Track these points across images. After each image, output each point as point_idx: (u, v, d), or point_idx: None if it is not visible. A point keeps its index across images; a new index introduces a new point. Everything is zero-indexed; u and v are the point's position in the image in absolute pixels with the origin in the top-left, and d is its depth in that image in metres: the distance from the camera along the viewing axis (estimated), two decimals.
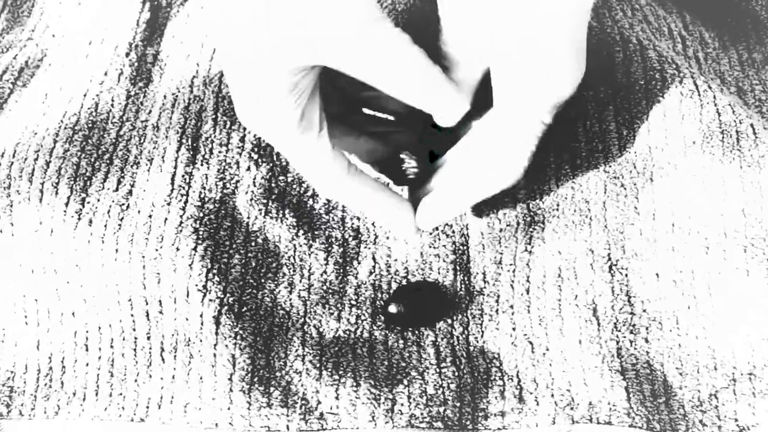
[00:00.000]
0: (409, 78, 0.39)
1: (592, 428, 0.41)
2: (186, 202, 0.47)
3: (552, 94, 0.41)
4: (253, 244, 0.47)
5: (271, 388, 0.43)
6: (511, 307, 0.45)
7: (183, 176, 0.48)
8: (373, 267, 0.47)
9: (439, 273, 0.46)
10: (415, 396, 0.43)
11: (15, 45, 0.60)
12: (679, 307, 0.44)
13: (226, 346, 0.44)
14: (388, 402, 0.43)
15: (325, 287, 0.47)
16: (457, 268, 0.47)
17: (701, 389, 0.43)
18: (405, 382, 0.43)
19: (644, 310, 0.44)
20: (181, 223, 0.46)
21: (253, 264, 0.47)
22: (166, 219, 0.47)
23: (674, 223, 0.45)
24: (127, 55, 0.54)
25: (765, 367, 0.42)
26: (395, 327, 0.46)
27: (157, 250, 0.46)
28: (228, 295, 0.45)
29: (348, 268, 0.47)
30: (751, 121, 0.46)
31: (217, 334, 0.44)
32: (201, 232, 0.46)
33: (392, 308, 0.45)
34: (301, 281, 0.46)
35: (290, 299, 0.46)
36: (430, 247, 0.47)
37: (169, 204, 0.47)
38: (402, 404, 0.43)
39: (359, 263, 0.47)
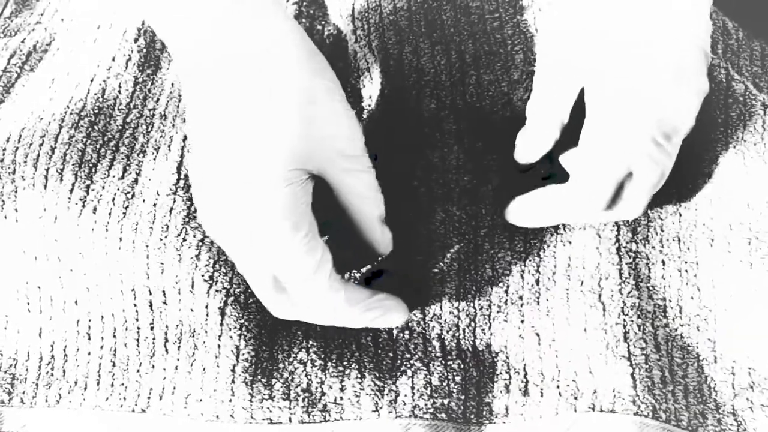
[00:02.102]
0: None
1: (601, 420, 0.41)
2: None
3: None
4: None
5: (274, 380, 0.43)
6: (521, 298, 0.45)
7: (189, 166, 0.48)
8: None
9: (444, 262, 0.46)
10: (419, 387, 0.43)
11: (23, 29, 0.59)
12: (682, 297, 0.45)
13: (231, 337, 0.43)
14: (392, 393, 0.43)
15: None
16: (462, 257, 0.46)
17: (701, 381, 0.43)
18: (409, 373, 0.43)
19: (650, 297, 0.44)
20: (189, 213, 0.46)
21: None
22: (171, 209, 0.46)
23: (681, 214, 0.46)
24: (136, 40, 0.54)
25: (765, 360, 0.42)
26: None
27: (161, 239, 0.45)
28: (234, 286, 0.45)
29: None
30: (760, 114, 0.46)
31: (222, 324, 0.44)
32: None
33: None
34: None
35: None
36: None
37: (174, 193, 0.47)
38: (406, 395, 0.43)
39: None
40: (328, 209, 0.41)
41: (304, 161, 0.39)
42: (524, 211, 0.44)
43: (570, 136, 0.44)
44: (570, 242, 0.46)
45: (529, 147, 0.45)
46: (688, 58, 0.42)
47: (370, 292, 0.41)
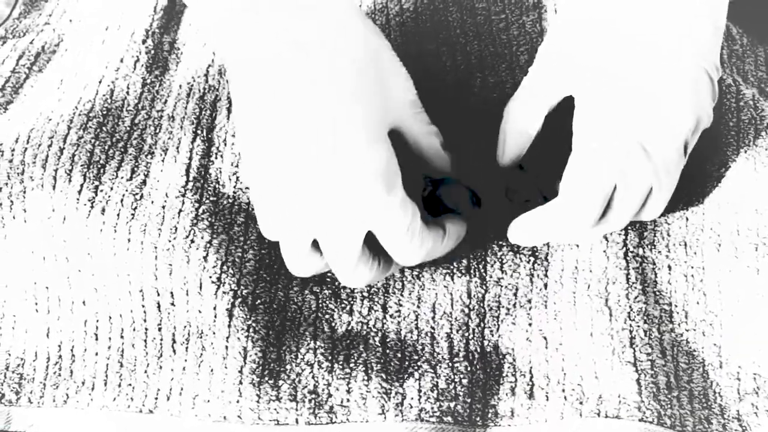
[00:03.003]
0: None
1: (606, 426, 0.41)
2: (201, 194, 0.47)
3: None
4: (267, 240, 0.46)
5: (281, 382, 0.43)
6: (529, 301, 0.45)
7: (198, 168, 0.48)
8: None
9: (453, 263, 0.46)
10: (426, 390, 0.43)
11: (32, 29, 0.59)
12: (688, 302, 0.44)
13: (238, 338, 0.43)
14: (399, 396, 0.43)
15: (337, 281, 0.46)
16: (472, 256, 0.46)
17: (706, 386, 0.43)
18: (416, 375, 0.43)
19: (656, 302, 0.44)
20: (197, 215, 0.46)
21: (267, 261, 0.46)
22: (180, 210, 0.46)
23: (688, 218, 0.46)
24: (144, 42, 0.54)
25: None
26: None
27: (170, 241, 0.45)
28: (242, 287, 0.45)
29: None
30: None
31: (229, 326, 0.44)
32: (216, 226, 0.46)
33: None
34: (313, 276, 0.46)
35: (303, 294, 0.46)
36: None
37: (183, 195, 0.47)
38: (412, 398, 0.42)
39: None
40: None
41: (384, 116, 0.42)
42: (521, 231, 0.44)
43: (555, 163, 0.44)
44: (578, 245, 0.46)
45: (507, 143, 0.46)
46: (692, 68, 0.42)
47: (442, 232, 0.44)
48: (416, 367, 0.44)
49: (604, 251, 0.45)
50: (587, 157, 0.42)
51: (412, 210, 0.41)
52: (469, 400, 0.43)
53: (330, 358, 0.44)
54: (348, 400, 0.43)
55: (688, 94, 0.42)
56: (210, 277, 0.45)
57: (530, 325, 0.45)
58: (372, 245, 0.43)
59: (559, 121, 0.44)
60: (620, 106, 0.42)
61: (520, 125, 0.45)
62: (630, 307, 0.43)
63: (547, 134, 0.45)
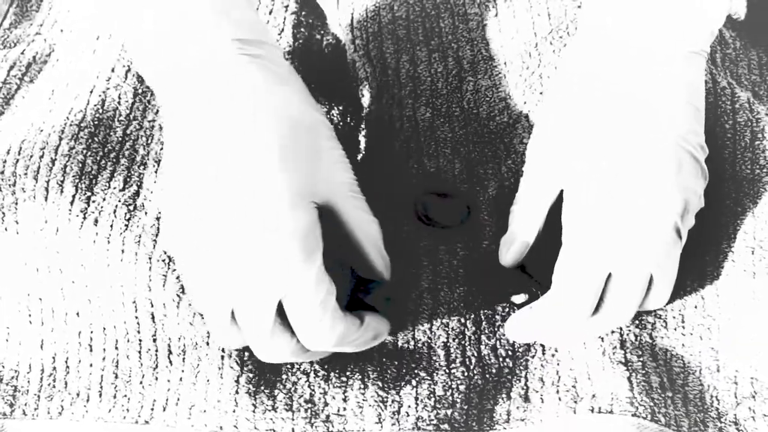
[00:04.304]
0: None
1: (600, 422, 0.41)
2: None
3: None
4: None
5: (276, 391, 0.43)
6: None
7: None
8: None
9: (450, 277, 0.46)
10: (423, 398, 0.43)
11: (23, 40, 0.59)
12: (685, 306, 0.44)
13: (235, 348, 0.43)
14: (395, 404, 0.43)
15: None
16: (468, 265, 0.46)
17: (703, 390, 0.43)
18: (413, 383, 0.43)
19: None
20: None
21: None
22: None
23: None
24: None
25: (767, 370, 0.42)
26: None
27: (164, 251, 0.45)
28: None
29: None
30: (764, 123, 0.46)
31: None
32: None
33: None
34: None
35: None
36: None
37: None
38: (409, 406, 0.42)
39: None
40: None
41: (312, 187, 0.40)
42: (517, 328, 0.44)
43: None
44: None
45: (510, 249, 0.45)
46: (673, 150, 0.42)
47: (359, 322, 0.42)
48: (413, 375, 0.44)
49: None
50: (576, 247, 0.42)
51: (328, 287, 0.40)
52: (466, 407, 0.43)
53: (326, 367, 0.44)
54: (344, 409, 0.43)
55: (671, 176, 0.41)
56: None
57: None
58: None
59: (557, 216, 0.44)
60: (606, 195, 0.41)
61: (525, 230, 0.44)
62: None
63: (546, 232, 0.45)
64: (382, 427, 0.42)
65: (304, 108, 0.42)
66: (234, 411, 0.42)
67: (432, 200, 0.47)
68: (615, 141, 0.42)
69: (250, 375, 0.43)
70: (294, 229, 0.39)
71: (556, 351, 0.44)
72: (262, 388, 0.43)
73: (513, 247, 0.45)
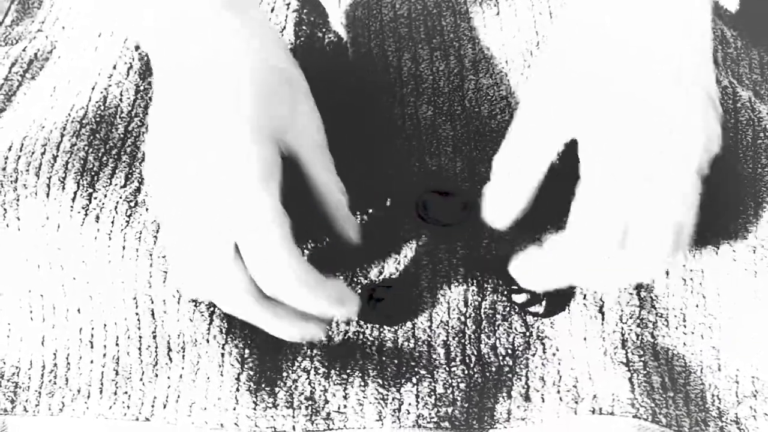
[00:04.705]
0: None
1: (601, 423, 0.41)
2: None
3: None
4: None
5: (277, 389, 0.43)
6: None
7: None
8: (382, 268, 0.47)
9: (450, 276, 0.46)
10: (423, 395, 0.43)
11: (25, 37, 0.59)
12: (686, 305, 0.44)
13: (236, 345, 0.43)
14: (396, 402, 0.43)
15: None
16: (467, 263, 0.46)
17: (704, 389, 0.43)
18: (414, 380, 0.43)
19: (653, 306, 0.44)
20: None
21: None
22: None
23: None
24: (137, 48, 0.54)
25: None
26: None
27: (165, 248, 0.45)
28: None
29: (357, 269, 0.47)
30: (766, 122, 0.46)
31: (228, 333, 0.44)
32: None
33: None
34: None
35: None
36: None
37: None
38: (410, 404, 0.42)
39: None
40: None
41: (279, 128, 0.42)
42: (528, 270, 0.42)
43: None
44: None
45: (498, 207, 0.43)
46: (694, 98, 0.41)
47: (324, 279, 0.40)
48: (413, 373, 0.44)
49: None
50: (599, 185, 0.40)
51: (286, 220, 0.39)
52: (466, 405, 0.43)
53: (326, 364, 0.44)
54: (345, 407, 0.43)
55: (696, 115, 0.41)
56: None
57: (526, 330, 0.45)
58: None
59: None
60: (629, 137, 0.40)
61: (524, 182, 0.42)
62: (622, 310, 0.44)
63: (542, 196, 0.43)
64: (382, 424, 0.42)
65: (287, 65, 0.44)
66: (235, 408, 0.42)
67: (433, 198, 0.47)
68: (631, 85, 0.41)
69: (251, 372, 0.43)
70: (250, 157, 0.40)
71: (557, 350, 0.44)
72: (263, 385, 0.43)
73: (510, 203, 0.42)
